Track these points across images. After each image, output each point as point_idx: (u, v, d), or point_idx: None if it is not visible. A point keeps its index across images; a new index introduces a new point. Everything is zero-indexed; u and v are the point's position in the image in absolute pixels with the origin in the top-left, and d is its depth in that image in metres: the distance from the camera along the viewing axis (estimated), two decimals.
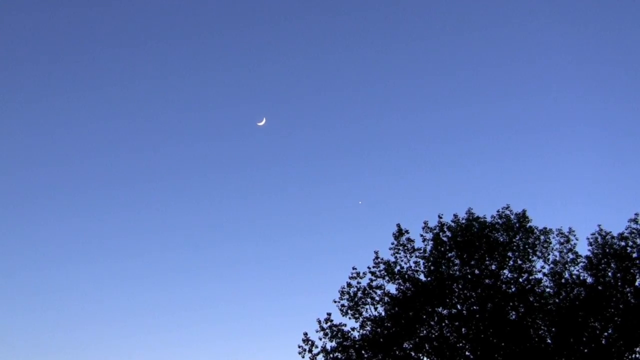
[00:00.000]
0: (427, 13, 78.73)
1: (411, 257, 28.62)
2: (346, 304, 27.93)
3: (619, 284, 27.12)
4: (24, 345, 61.41)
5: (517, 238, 28.63)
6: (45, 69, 77.52)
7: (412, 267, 28.40)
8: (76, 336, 63.80)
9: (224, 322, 66.05)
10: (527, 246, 28.51)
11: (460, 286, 27.71)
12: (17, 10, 75.71)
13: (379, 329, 26.98)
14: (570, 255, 28.79)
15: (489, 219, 29.14)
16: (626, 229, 28.28)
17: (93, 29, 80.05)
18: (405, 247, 28.74)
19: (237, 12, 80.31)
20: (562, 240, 29.04)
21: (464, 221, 29.06)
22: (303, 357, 27.03)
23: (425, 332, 26.98)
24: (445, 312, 27.36)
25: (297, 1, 79.72)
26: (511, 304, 27.27)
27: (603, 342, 26.40)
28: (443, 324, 27.11)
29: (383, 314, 27.59)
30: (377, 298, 27.96)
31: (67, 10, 77.83)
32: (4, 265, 66.88)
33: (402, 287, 27.92)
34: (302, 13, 79.75)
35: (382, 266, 28.40)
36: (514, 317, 27.16)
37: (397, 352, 26.43)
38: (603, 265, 27.84)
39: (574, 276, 28.25)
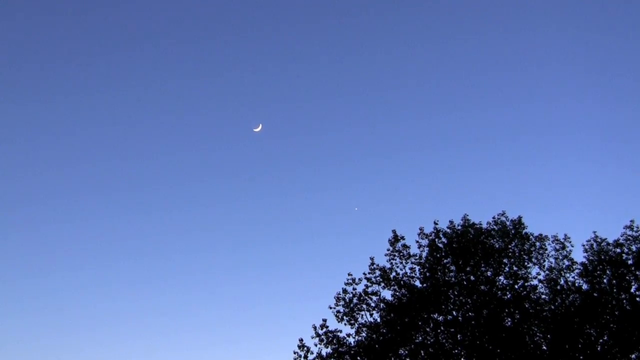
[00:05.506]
0: (422, 20, 79.03)
1: (407, 263, 28.64)
2: (342, 310, 27.93)
3: (615, 290, 27.16)
4: (22, 349, 61.23)
5: (512, 244, 28.67)
6: (43, 72, 77.49)
7: (408, 274, 28.43)
8: (75, 340, 63.70)
9: (219, 327, 65.93)
10: (522, 253, 28.55)
11: (455, 292, 27.71)
12: (18, 13, 75.78)
13: (374, 335, 26.94)
14: (566, 262, 28.85)
15: (484, 225, 29.22)
16: (621, 236, 28.40)
17: (91, 34, 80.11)
18: (401, 254, 28.74)
19: (234, 18, 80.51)
20: (557, 247, 29.08)
21: (459, 227, 29.09)
22: None
23: (420, 338, 26.97)
24: (440, 318, 27.36)
25: (293, 8, 79.96)
26: (507, 310, 27.28)
27: (598, 349, 26.41)
28: (439, 331, 27.09)
29: (378, 320, 27.57)
30: (373, 304, 27.95)
31: (65, 14, 77.92)
32: (1, 269, 66.77)
33: (397, 294, 27.91)
34: (298, 20, 79.99)
35: (377, 272, 28.41)
36: (509, 323, 27.16)
37: (393, 359, 26.42)
38: (598, 272, 27.88)
39: (569, 283, 28.28)
